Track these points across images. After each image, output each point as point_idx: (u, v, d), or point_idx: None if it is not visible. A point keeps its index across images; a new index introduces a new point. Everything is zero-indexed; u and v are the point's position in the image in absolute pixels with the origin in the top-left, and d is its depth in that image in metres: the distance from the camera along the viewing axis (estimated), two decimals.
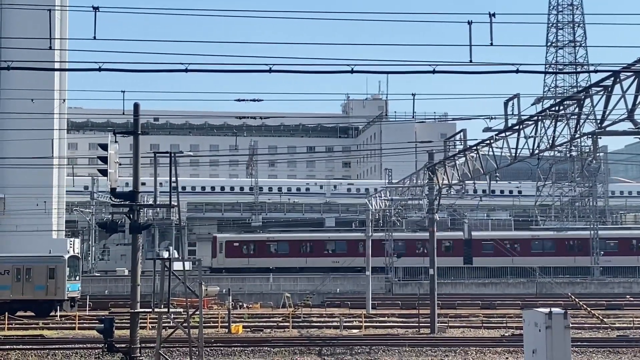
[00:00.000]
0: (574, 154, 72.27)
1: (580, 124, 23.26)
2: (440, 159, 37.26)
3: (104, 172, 20.18)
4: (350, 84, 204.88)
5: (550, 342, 18.42)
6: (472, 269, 63.36)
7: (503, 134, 27.76)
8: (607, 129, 21.55)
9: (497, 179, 34.69)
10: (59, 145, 61.63)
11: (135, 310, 20.23)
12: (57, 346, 31.01)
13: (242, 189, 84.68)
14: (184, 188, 70.85)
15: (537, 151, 25.82)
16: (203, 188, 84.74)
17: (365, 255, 49.81)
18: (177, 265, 22.87)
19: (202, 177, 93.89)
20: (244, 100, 23.08)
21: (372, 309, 47.56)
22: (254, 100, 22.88)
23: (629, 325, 39.25)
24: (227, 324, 38.03)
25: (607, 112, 21.10)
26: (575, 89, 70.57)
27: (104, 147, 20.09)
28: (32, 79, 48.04)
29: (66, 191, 66.37)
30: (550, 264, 61.90)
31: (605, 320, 41.11)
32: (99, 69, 16.15)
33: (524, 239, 65.45)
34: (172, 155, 20.72)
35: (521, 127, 26.34)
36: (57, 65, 47.08)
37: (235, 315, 41.75)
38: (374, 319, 43.07)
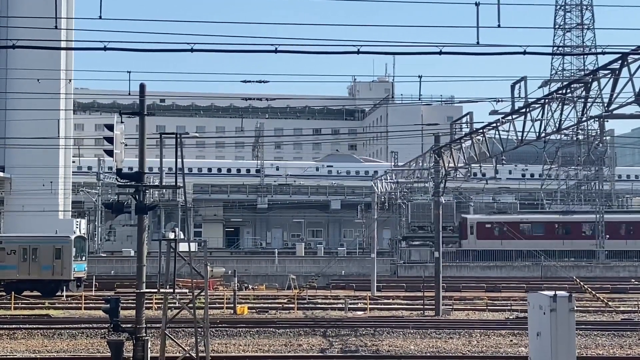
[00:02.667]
0: (580, 137, 72.13)
1: (587, 107, 23.14)
2: (447, 142, 37.16)
3: (109, 153, 20.15)
4: (356, 66, 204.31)
5: (554, 324, 18.39)
6: None
7: (510, 117, 27.68)
8: (614, 112, 21.45)
9: (503, 162, 34.70)
10: (65, 126, 61.69)
11: (141, 291, 20.25)
12: (63, 326, 31.14)
13: (248, 170, 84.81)
14: (189, 170, 71.01)
15: (543, 134, 25.74)
16: (209, 170, 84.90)
17: (372, 237, 49.91)
18: (182, 247, 22.90)
19: (208, 159, 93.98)
20: (250, 81, 23.05)
21: (377, 291, 47.68)
22: (260, 81, 22.84)
23: (633, 309, 39.24)
24: (232, 305, 38.16)
25: (615, 96, 20.99)
26: (582, 72, 70.23)
27: (110, 127, 20.05)
28: (38, 59, 47.97)
29: (72, 172, 66.54)
30: None
31: (610, 303, 41.14)
32: (104, 48, 16.10)
33: None
34: (178, 136, 20.65)
35: (528, 110, 26.27)
36: (62, 45, 46.96)
37: (240, 297, 41.87)
38: (379, 301, 43.17)
